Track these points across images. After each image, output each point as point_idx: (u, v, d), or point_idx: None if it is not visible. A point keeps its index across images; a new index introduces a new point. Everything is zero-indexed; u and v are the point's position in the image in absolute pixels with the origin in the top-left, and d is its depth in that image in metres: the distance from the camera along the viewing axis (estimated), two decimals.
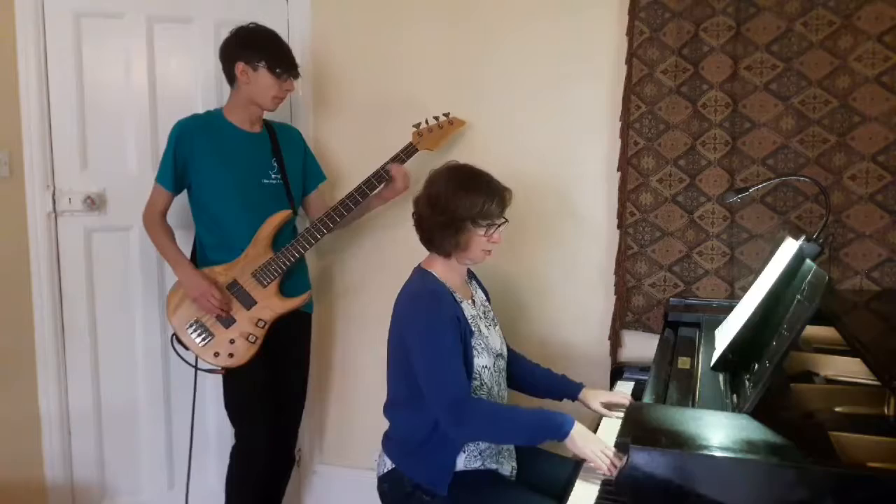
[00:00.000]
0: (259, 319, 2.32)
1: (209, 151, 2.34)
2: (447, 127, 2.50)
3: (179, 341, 2.34)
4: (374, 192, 2.42)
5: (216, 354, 2.31)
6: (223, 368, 2.32)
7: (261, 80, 2.30)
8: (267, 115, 2.45)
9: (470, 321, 1.84)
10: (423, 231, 1.87)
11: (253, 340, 2.31)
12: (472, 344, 1.82)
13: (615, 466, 1.56)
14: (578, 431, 1.66)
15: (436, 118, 2.49)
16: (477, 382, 1.82)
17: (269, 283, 2.33)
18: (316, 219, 2.39)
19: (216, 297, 2.27)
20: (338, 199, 2.42)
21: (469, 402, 1.74)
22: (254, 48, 2.29)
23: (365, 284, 2.81)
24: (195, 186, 2.37)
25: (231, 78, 2.34)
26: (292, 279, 2.42)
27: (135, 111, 2.63)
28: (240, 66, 2.30)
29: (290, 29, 2.70)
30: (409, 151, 2.45)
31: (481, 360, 1.83)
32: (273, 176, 2.42)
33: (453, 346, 1.75)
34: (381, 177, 2.41)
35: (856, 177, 2.21)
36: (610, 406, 1.94)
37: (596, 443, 1.64)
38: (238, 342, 2.31)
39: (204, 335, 2.31)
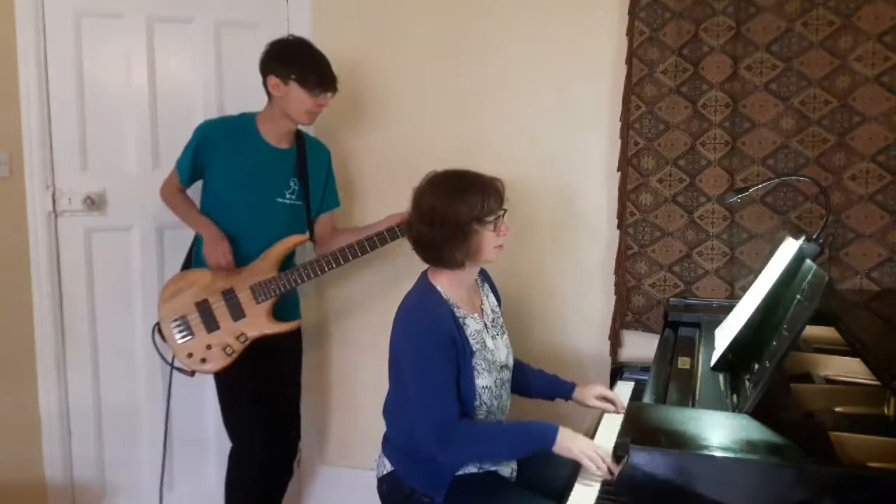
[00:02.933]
0: (242, 334, 2.28)
1: (228, 160, 2.31)
2: None
3: (160, 332, 2.31)
4: (391, 241, 2.34)
5: (189, 355, 2.27)
6: (192, 371, 2.30)
7: (292, 94, 2.23)
8: None
9: (474, 338, 1.81)
10: (427, 250, 1.80)
11: (230, 353, 2.27)
12: (473, 364, 1.79)
13: (609, 470, 1.57)
14: (564, 436, 1.66)
15: None
16: (477, 402, 1.81)
17: (263, 301, 2.29)
18: (328, 253, 2.33)
19: (226, 254, 2.25)
20: (339, 212, 2.40)
21: (455, 426, 1.72)
22: (285, 62, 2.23)
23: (366, 286, 2.81)
24: (207, 191, 2.37)
25: (267, 91, 2.29)
26: (285, 304, 2.39)
27: (135, 111, 2.62)
28: (272, 80, 2.24)
29: (289, 29, 2.69)
30: None
31: (482, 381, 1.80)
32: (289, 196, 2.38)
33: (445, 369, 1.72)
34: (403, 230, 2.31)
35: (856, 177, 2.21)
36: (606, 400, 1.94)
37: (583, 443, 1.64)
38: (214, 350, 2.27)
39: (185, 333, 2.28)
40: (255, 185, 2.33)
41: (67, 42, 2.54)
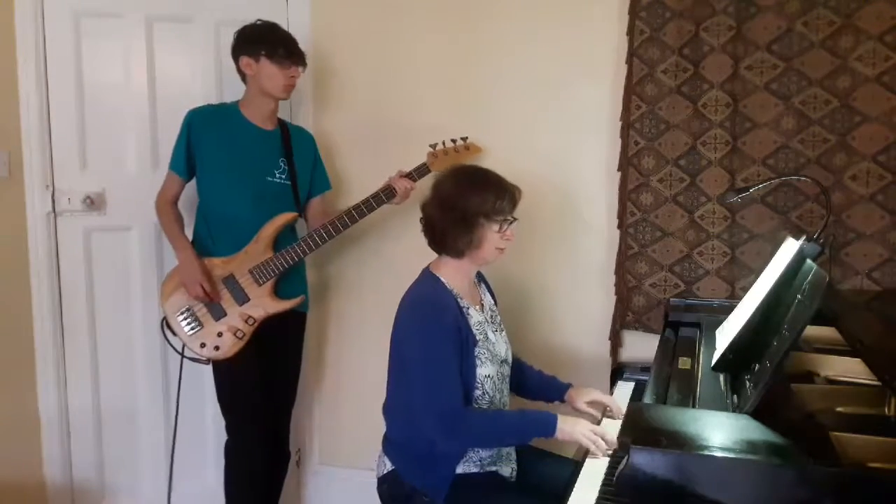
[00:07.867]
0: (249, 317, 2.33)
1: (217, 143, 2.35)
2: (463, 152, 2.47)
3: (169, 327, 2.35)
4: (381, 206, 2.40)
5: (202, 345, 2.32)
6: (208, 359, 2.33)
7: (264, 70, 2.33)
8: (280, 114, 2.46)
9: (476, 328, 1.83)
10: (433, 233, 1.85)
11: (240, 336, 2.32)
12: (476, 353, 1.81)
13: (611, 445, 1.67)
14: (564, 421, 1.73)
15: (453, 141, 2.46)
16: (479, 392, 1.82)
17: (264, 282, 2.34)
18: (320, 225, 2.38)
19: (205, 286, 2.28)
20: (339, 202, 2.41)
21: (461, 414, 1.74)
22: (253, 41, 2.34)
23: (365, 285, 2.81)
24: (199, 176, 2.39)
25: (242, 76, 2.38)
26: (289, 281, 2.42)
27: (134, 111, 2.62)
28: (244, 60, 2.35)
29: (289, 29, 2.68)
30: (421, 171, 2.43)
31: (484, 370, 1.82)
32: (279, 175, 2.42)
33: (450, 358, 1.74)
34: (391, 192, 2.39)
35: (856, 177, 2.20)
36: (594, 405, 1.94)
37: (583, 425, 1.72)
38: (225, 336, 2.32)
39: (193, 324, 2.32)
40: (245, 164, 2.37)
41: (67, 42, 2.54)
